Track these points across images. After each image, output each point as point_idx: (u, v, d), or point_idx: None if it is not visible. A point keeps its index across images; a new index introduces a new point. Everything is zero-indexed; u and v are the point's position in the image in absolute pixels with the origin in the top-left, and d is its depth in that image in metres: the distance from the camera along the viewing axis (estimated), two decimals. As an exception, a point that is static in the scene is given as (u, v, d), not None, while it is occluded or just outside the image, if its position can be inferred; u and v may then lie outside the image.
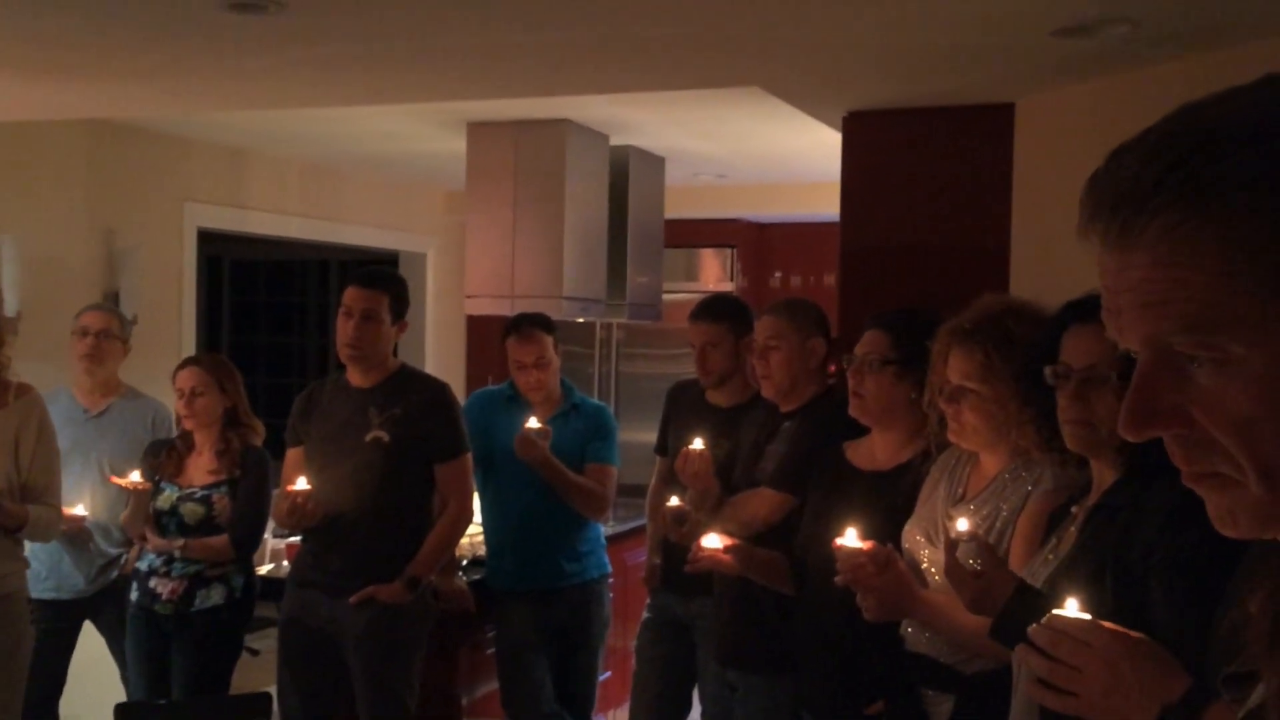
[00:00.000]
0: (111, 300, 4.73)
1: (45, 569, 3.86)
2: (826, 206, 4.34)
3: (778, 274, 7.05)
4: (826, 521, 2.66)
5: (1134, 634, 1.56)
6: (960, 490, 2.47)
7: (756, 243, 7.03)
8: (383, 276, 3.59)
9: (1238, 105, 0.71)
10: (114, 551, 3.99)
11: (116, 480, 3.68)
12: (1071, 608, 1.62)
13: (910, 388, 2.67)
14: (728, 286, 6.77)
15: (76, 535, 3.84)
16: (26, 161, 4.62)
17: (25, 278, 4.53)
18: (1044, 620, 1.60)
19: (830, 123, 4.01)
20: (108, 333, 3.99)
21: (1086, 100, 3.35)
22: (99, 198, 4.89)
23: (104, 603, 3.96)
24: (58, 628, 3.88)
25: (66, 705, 4.00)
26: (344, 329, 3.48)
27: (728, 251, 6.91)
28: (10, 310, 4.28)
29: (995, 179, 3.63)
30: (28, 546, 3.61)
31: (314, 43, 3.05)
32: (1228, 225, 0.67)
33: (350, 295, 3.49)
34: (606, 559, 4.19)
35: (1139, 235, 0.70)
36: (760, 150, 5.25)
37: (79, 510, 3.80)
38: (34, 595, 3.76)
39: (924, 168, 3.80)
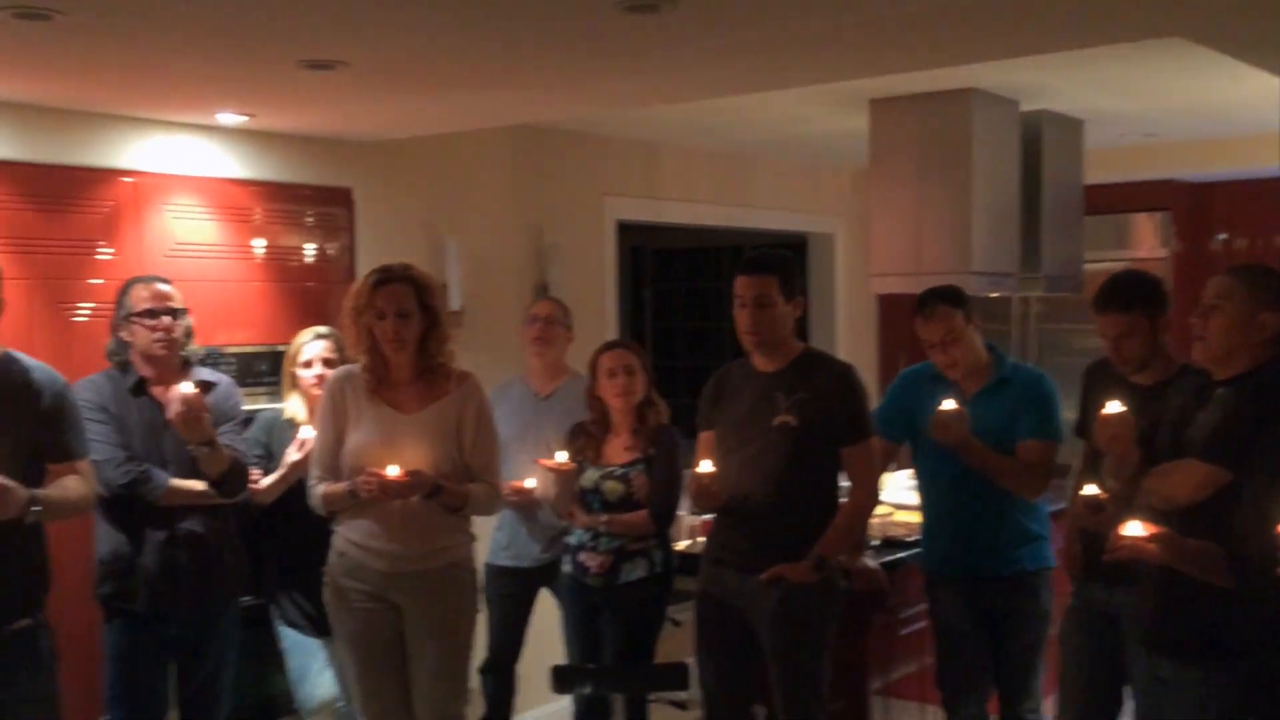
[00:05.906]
0: (542, 291, 5.09)
1: (506, 538, 4.25)
2: (1274, 160, 3.93)
3: (1221, 236, 6.51)
4: None
5: None
6: None
7: (1194, 204, 6.52)
8: (767, 260, 3.61)
9: None
10: (563, 524, 4.27)
11: (544, 463, 3.94)
12: None
13: None
14: (1161, 253, 6.39)
15: (527, 507, 4.16)
16: (464, 169, 5.05)
17: (466, 276, 4.96)
18: None
19: (1272, 69, 3.62)
20: (552, 319, 4.31)
21: None
22: (526, 197, 5.26)
23: (557, 570, 4.22)
24: (515, 593, 4.26)
25: (523, 666, 4.33)
26: (740, 318, 3.55)
27: (1160, 215, 6.46)
28: (454, 306, 4.72)
29: None
30: (496, 519, 3.92)
31: (710, 35, 3.11)
32: None
33: (740, 284, 3.54)
34: (1049, 551, 3.91)
35: None
36: (1191, 105, 4.83)
37: (529, 483, 4.10)
38: (496, 563, 4.22)
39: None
